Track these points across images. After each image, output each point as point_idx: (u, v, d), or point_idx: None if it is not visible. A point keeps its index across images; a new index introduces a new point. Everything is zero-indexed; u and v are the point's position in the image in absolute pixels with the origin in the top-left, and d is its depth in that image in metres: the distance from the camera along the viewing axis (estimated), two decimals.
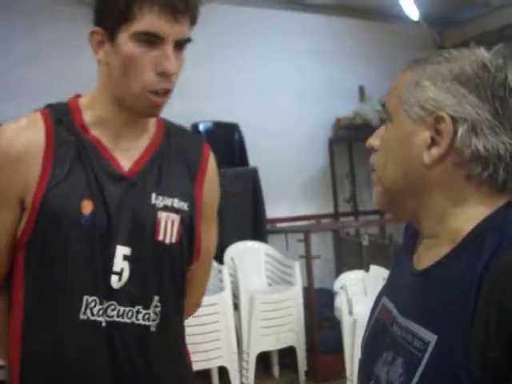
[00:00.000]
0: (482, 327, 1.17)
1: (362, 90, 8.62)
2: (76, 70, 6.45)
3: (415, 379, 1.26)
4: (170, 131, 2.08)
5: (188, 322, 5.33)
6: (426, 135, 1.34)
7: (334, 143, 8.54)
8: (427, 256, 1.39)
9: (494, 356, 1.15)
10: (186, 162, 2.06)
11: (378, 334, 1.49)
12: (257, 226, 7.18)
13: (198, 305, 2.28)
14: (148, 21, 1.81)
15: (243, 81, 7.99)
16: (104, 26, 1.87)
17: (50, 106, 1.99)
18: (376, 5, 8.43)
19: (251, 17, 8.16)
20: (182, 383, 2.15)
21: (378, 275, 5.53)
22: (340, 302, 5.57)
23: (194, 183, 2.04)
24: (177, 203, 1.97)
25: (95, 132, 1.94)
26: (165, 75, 1.85)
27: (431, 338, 1.26)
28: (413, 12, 7.53)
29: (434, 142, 1.33)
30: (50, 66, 6.79)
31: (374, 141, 1.48)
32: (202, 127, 7.55)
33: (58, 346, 1.87)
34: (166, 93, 1.89)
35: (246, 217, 7.15)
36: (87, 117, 1.95)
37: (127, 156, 1.96)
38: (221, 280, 5.86)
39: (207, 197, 2.08)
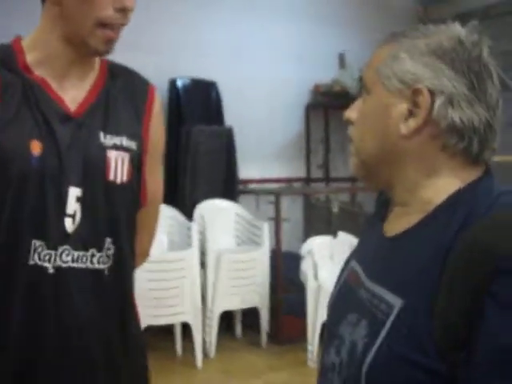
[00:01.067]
0: (447, 294, 1.21)
1: (342, 58, 8.56)
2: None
3: (378, 340, 1.29)
4: (114, 70, 2.02)
5: (153, 276, 5.37)
6: (403, 107, 1.36)
7: (310, 109, 8.52)
8: (398, 224, 1.42)
9: (455, 321, 1.19)
10: (131, 101, 2.01)
11: (345, 296, 1.52)
12: (228, 185, 7.18)
13: (146, 254, 2.20)
14: None
15: (222, 39, 7.91)
16: None
17: None
18: None
19: None
20: (130, 336, 2.02)
21: (345, 242, 5.57)
22: (306, 266, 5.62)
23: (141, 123, 2.00)
24: (125, 142, 1.92)
25: (40, 72, 1.87)
26: (123, 11, 1.80)
27: (396, 302, 1.29)
28: None
29: (411, 114, 1.35)
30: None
31: (351, 113, 1.50)
32: (179, 83, 7.50)
33: (7, 295, 1.81)
34: (120, 28, 1.84)
35: (219, 175, 7.15)
36: (31, 57, 1.87)
37: (73, 96, 1.90)
38: (189, 236, 5.87)
39: (153, 138, 2.04)
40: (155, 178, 2.08)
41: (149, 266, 5.04)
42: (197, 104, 7.59)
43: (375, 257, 1.46)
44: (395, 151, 1.39)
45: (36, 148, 1.78)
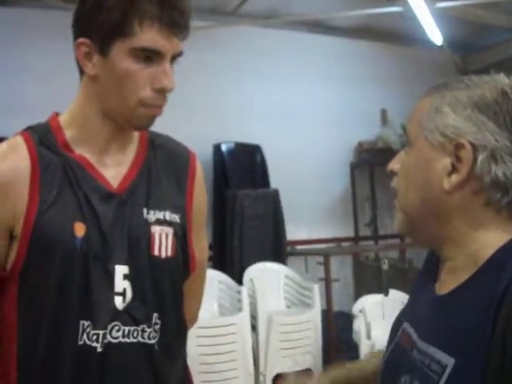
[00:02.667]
0: (500, 349, 1.17)
1: (384, 114, 8.63)
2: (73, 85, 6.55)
3: None
4: (154, 142, 2.01)
5: (204, 341, 5.35)
6: (446, 162, 1.34)
7: (355, 167, 8.56)
8: (447, 281, 1.39)
9: (509, 374, 1.15)
10: (173, 172, 1.99)
11: (397, 359, 1.48)
12: (277, 248, 7.19)
13: (194, 320, 2.18)
14: (148, 36, 1.74)
15: (266, 103, 8.02)
16: (93, 37, 1.77)
17: (30, 128, 1.89)
18: (399, 29, 8.47)
19: (274, 39, 8.21)
20: None
21: (397, 299, 5.51)
22: (358, 325, 5.56)
23: (184, 194, 1.98)
24: (169, 216, 1.90)
25: (79, 150, 1.85)
26: (162, 92, 1.79)
27: (449, 361, 1.26)
28: (436, 37, 7.53)
29: (454, 169, 1.33)
30: (48, 81, 6.85)
31: (394, 165, 1.49)
32: (224, 148, 7.58)
33: (55, 375, 1.78)
34: (161, 107, 1.83)
35: (267, 238, 7.16)
36: (69, 134, 1.87)
37: (114, 172, 1.89)
38: (239, 301, 5.85)
39: (196, 207, 2.02)
40: (200, 245, 2.06)
41: (199, 331, 5.05)
42: (242, 168, 7.65)
43: (427, 316, 1.42)
44: (439, 205, 1.37)
45: (80, 230, 1.77)
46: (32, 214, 1.75)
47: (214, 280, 6.14)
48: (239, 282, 6.29)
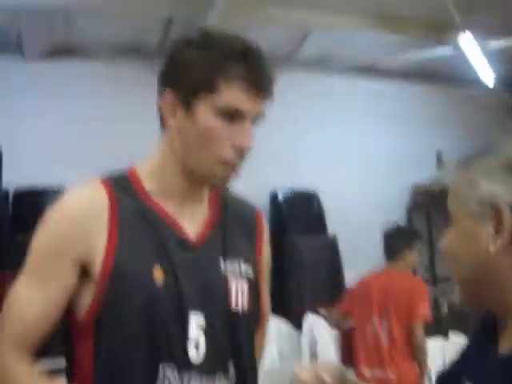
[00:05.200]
0: None
1: (439, 156, 8.62)
2: (139, 133, 6.74)
3: None
4: (225, 197, 2.04)
5: None
6: (488, 228, 1.37)
7: (412, 210, 8.56)
8: (507, 339, 1.41)
9: None
10: (244, 227, 2.03)
11: None
12: (335, 294, 7.19)
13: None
14: (232, 96, 1.77)
15: (321, 148, 8.12)
16: (178, 92, 1.82)
17: (109, 176, 1.93)
18: (450, 69, 8.47)
19: (328, 84, 8.32)
20: None
21: (458, 342, 5.49)
22: None
23: (254, 249, 2.02)
24: (243, 268, 1.93)
25: (158, 199, 1.88)
26: (241, 150, 1.82)
27: None
28: (487, 77, 7.53)
29: (497, 232, 1.36)
30: (113, 130, 7.04)
31: (443, 243, 1.51)
32: (280, 195, 7.66)
33: None
34: (238, 167, 1.86)
35: (325, 283, 7.20)
36: (148, 185, 1.90)
37: (191, 223, 1.91)
38: (299, 346, 5.88)
39: (264, 262, 2.07)
40: (268, 300, 2.14)
41: (260, 377, 5.09)
42: (299, 215, 7.71)
43: (488, 375, 1.40)
44: (491, 271, 1.38)
45: (158, 275, 1.79)
46: (111, 256, 1.77)
47: (273, 327, 6.18)
48: (298, 327, 6.33)
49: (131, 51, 7.56)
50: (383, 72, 8.69)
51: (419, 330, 5.11)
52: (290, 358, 5.98)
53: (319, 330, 6.45)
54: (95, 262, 1.77)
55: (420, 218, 8.54)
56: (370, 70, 8.62)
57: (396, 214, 8.47)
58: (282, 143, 7.87)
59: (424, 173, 8.46)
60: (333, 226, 7.80)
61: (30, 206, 7.00)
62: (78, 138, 7.10)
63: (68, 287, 1.80)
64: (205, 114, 1.79)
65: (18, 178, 6.73)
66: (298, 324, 6.42)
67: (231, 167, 1.84)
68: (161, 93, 1.86)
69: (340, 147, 8.25)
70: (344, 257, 7.48)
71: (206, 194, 1.99)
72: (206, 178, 1.87)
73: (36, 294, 1.79)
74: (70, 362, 1.88)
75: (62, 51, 7.39)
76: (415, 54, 7.76)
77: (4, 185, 6.23)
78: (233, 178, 1.88)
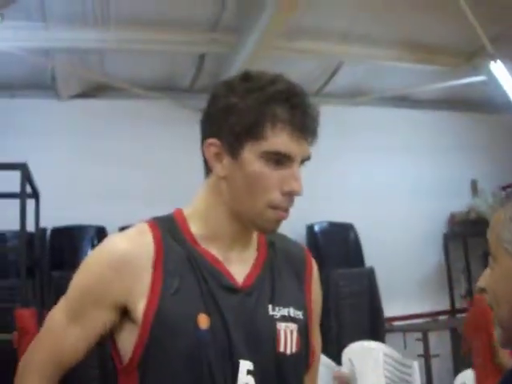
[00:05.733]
0: None
1: (474, 184, 8.60)
2: (175, 169, 6.78)
3: None
4: (272, 240, 1.98)
5: None
6: None
7: (449, 238, 8.51)
8: None
9: None
10: (293, 269, 1.97)
11: None
12: (374, 326, 7.18)
13: None
14: (279, 141, 1.73)
15: (356, 180, 8.14)
16: (224, 138, 1.78)
17: (156, 218, 1.90)
18: (484, 97, 8.49)
19: (359, 116, 8.35)
20: None
21: None
22: None
23: (304, 291, 1.97)
24: (293, 312, 1.87)
25: (204, 244, 1.85)
26: (290, 195, 1.77)
27: None
28: None
29: None
30: (155, 171, 7.11)
31: (482, 282, 1.50)
32: (316, 228, 7.67)
33: None
34: (287, 210, 1.81)
35: (363, 316, 7.17)
36: (195, 229, 1.86)
37: (239, 268, 1.86)
38: None
39: (315, 302, 2.01)
40: (319, 341, 2.07)
41: None
42: (336, 247, 7.71)
43: None
44: None
45: (203, 322, 1.74)
46: (154, 301, 1.74)
47: None
48: (338, 361, 6.28)
49: (163, 88, 7.64)
50: (416, 102, 8.72)
51: None
52: None
53: (359, 360, 6.41)
54: (138, 307, 1.75)
55: (457, 247, 8.49)
56: (403, 101, 8.63)
57: (433, 244, 8.46)
58: (317, 176, 7.86)
59: (460, 201, 8.43)
60: (370, 257, 7.78)
61: (67, 244, 7.08)
62: (113, 176, 7.17)
63: (102, 328, 1.79)
64: (252, 159, 1.75)
65: (55, 217, 6.80)
66: (337, 358, 6.38)
67: (281, 211, 1.80)
68: (204, 140, 1.83)
69: (376, 178, 8.26)
70: (382, 288, 7.44)
71: (253, 237, 1.95)
72: (255, 222, 1.83)
73: (70, 330, 1.80)
74: None
75: (96, 90, 7.50)
76: (447, 83, 7.76)
77: (42, 223, 6.28)
78: (282, 222, 1.84)
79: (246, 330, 1.79)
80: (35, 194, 6.06)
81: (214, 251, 1.85)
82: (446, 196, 8.48)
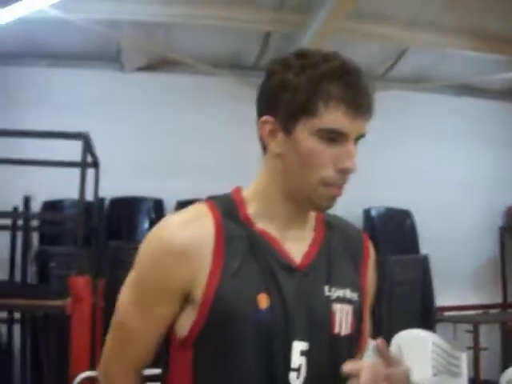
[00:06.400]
0: None
1: None
2: (236, 147, 6.79)
3: None
4: (330, 222, 1.97)
5: None
6: None
7: (504, 232, 8.42)
8: None
9: None
10: (350, 251, 1.95)
11: None
12: (425, 314, 7.15)
13: None
14: (333, 118, 1.71)
15: (416, 166, 8.08)
16: (278, 115, 1.77)
17: (214, 198, 1.90)
18: None
19: (422, 102, 8.31)
20: None
21: None
22: None
23: (360, 274, 1.95)
24: (349, 294, 1.86)
25: (261, 224, 1.84)
26: (344, 172, 1.76)
27: None
28: None
29: None
30: (216, 147, 7.15)
31: None
32: (374, 213, 7.66)
33: None
34: (341, 187, 1.79)
35: (415, 304, 7.14)
36: (252, 209, 1.85)
37: (296, 247, 1.84)
38: None
39: (370, 287, 2.00)
40: (368, 323, 2.04)
41: None
42: (392, 233, 7.68)
43: None
44: None
45: (263, 301, 1.73)
46: (214, 284, 1.73)
47: None
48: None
49: (229, 65, 7.66)
50: (480, 91, 8.61)
51: None
52: None
53: (408, 348, 6.39)
54: (198, 288, 1.74)
55: None
56: (468, 89, 8.54)
57: (488, 236, 8.38)
58: (376, 160, 7.85)
59: None
60: (425, 245, 7.74)
61: (125, 214, 7.17)
62: (173, 150, 7.24)
63: (171, 313, 1.79)
64: (305, 137, 1.74)
65: (114, 188, 6.90)
66: (387, 344, 6.37)
67: (335, 188, 1.78)
68: (259, 117, 1.83)
69: (436, 166, 8.20)
70: (435, 277, 7.40)
71: (311, 217, 1.93)
72: (309, 200, 1.81)
73: (141, 321, 1.81)
74: (167, 375, 1.88)
75: (160, 64, 7.55)
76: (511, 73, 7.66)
77: (101, 193, 6.37)
78: (336, 199, 1.82)
79: (302, 310, 1.77)
80: (96, 164, 6.14)
81: (271, 231, 1.83)
82: (504, 188, 8.39)
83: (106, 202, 7.17)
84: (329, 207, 1.85)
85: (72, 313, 4.88)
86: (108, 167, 6.30)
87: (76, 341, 4.86)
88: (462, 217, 8.15)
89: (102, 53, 7.30)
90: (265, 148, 1.86)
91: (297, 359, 1.75)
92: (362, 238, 2.03)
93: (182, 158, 7.21)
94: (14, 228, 6.71)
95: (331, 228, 1.96)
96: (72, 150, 5.39)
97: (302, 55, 1.79)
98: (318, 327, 1.79)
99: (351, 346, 1.87)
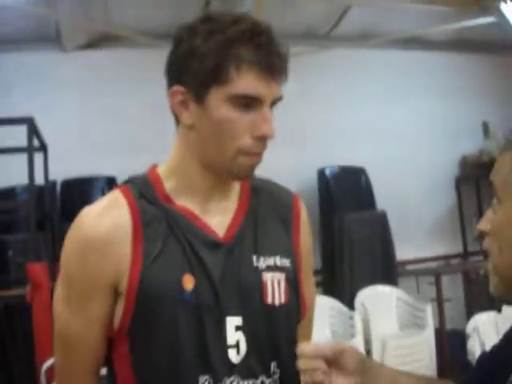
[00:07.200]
0: None
1: (486, 126, 8.52)
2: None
3: None
4: (256, 187, 1.90)
5: None
6: None
7: (460, 182, 8.49)
8: None
9: None
10: (278, 215, 1.89)
11: None
12: (387, 270, 7.20)
13: None
14: (245, 82, 1.65)
15: (366, 123, 8.08)
16: (188, 85, 1.70)
17: (128, 181, 1.84)
18: (494, 38, 8.38)
19: (369, 58, 8.29)
20: None
21: (510, 316, 5.42)
22: (473, 344, 5.49)
23: (291, 237, 1.89)
24: (279, 261, 1.81)
25: (181, 201, 1.78)
26: (262, 139, 1.70)
27: None
28: None
29: None
30: (164, 122, 7.08)
31: (483, 225, 1.43)
32: (328, 172, 7.66)
33: None
34: (260, 155, 1.74)
35: (376, 260, 7.19)
36: (169, 186, 1.79)
37: (219, 220, 1.79)
38: (352, 326, 5.88)
39: (303, 248, 1.92)
40: (310, 288, 1.97)
41: None
42: (347, 191, 7.70)
43: None
44: None
45: (189, 282, 1.70)
46: (137, 271, 1.69)
47: (326, 306, 6.19)
48: (351, 306, 6.32)
49: (170, 36, 7.55)
50: (426, 43, 8.61)
51: None
52: (343, 337, 5.97)
53: (372, 304, 6.44)
54: (123, 278, 1.70)
55: (469, 189, 8.47)
56: (413, 43, 8.52)
57: (445, 187, 8.44)
58: (328, 120, 7.85)
59: (472, 144, 8.38)
60: (382, 201, 7.76)
61: (78, 195, 7.10)
62: (121, 127, 7.17)
63: (106, 309, 1.73)
64: (218, 105, 1.68)
65: (65, 170, 6.83)
66: (350, 303, 6.41)
67: (253, 157, 1.73)
68: (169, 88, 1.76)
69: (386, 122, 8.20)
70: (394, 232, 7.44)
71: (234, 187, 1.87)
72: (228, 170, 1.74)
73: (79, 322, 1.75)
74: (112, 373, 1.83)
75: (101, 40, 7.44)
76: (458, 24, 7.65)
77: (52, 177, 6.30)
78: (256, 167, 1.77)
79: (231, 285, 1.74)
80: (43, 148, 6.07)
81: (191, 206, 1.79)
82: (458, 139, 8.44)
83: (58, 185, 7.08)
84: (248, 177, 1.80)
85: (32, 300, 4.83)
86: (57, 150, 6.23)
87: (38, 328, 4.81)
88: (416, 170, 8.17)
89: (40, 33, 7.16)
90: (177, 120, 1.79)
91: (233, 335, 1.72)
92: (292, 200, 1.96)
93: (131, 133, 7.13)
94: None
95: (257, 194, 1.90)
96: (19, 135, 5.30)
97: (209, 19, 1.72)
98: (249, 300, 1.75)
99: (289, 315, 1.83)
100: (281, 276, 1.80)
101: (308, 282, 1.95)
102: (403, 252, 7.65)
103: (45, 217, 6.15)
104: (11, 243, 6.41)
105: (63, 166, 6.64)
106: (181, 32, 1.75)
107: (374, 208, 7.74)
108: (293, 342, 1.81)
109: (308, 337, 2.03)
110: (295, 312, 1.86)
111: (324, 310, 6.13)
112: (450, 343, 6.38)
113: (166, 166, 1.84)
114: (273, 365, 1.77)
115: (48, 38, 7.23)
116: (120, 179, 7.16)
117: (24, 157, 5.32)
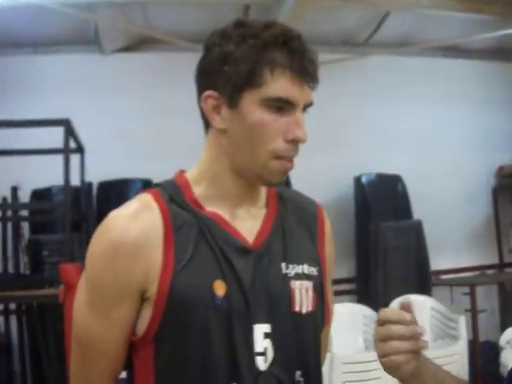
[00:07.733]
0: None
1: None
2: None
3: None
4: (282, 196, 1.92)
5: (351, 377, 5.35)
6: None
7: (497, 192, 8.41)
8: None
9: None
10: (304, 224, 1.91)
11: None
12: (421, 279, 7.15)
13: None
14: (280, 86, 1.66)
15: (404, 131, 8.04)
16: (221, 89, 1.71)
17: (157, 185, 1.82)
18: None
19: (410, 66, 8.23)
20: None
21: None
22: (506, 357, 5.43)
23: (316, 245, 1.91)
24: (307, 269, 1.82)
25: (210, 206, 1.77)
26: (295, 143, 1.71)
27: None
28: None
29: None
30: (199, 124, 7.10)
31: None
32: (364, 180, 7.62)
33: None
34: (292, 159, 1.75)
35: (410, 269, 7.15)
36: (198, 191, 1.79)
37: (248, 227, 1.80)
38: None
39: (328, 259, 1.95)
40: (332, 297, 2.00)
41: (345, 367, 5.08)
42: (383, 199, 7.66)
43: None
44: None
45: (220, 288, 1.69)
46: (167, 276, 1.67)
47: (359, 314, 6.17)
48: None
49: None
50: (465, 52, 8.56)
51: None
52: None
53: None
54: (153, 283, 1.68)
55: (506, 200, 8.41)
56: (453, 51, 8.48)
57: (481, 197, 8.37)
58: (366, 128, 7.83)
59: (509, 154, 8.32)
60: (417, 209, 7.72)
61: (114, 197, 7.13)
62: (159, 130, 7.19)
63: (132, 314, 1.73)
64: (251, 108, 1.69)
65: (102, 172, 6.88)
66: None
67: (286, 161, 1.73)
68: (200, 94, 1.76)
69: (424, 130, 8.16)
70: (429, 241, 7.40)
71: (261, 194, 1.87)
72: (259, 175, 1.75)
73: (102, 324, 1.73)
74: (132, 376, 1.82)
75: (139, 43, 7.47)
76: (497, 33, 7.60)
77: (89, 178, 6.34)
78: (287, 173, 1.77)
79: (261, 292, 1.74)
80: (80, 149, 6.11)
81: (221, 211, 1.78)
82: (495, 148, 8.36)
83: (95, 187, 7.13)
84: (280, 182, 1.80)
85: (64, 300, 4.84)
86: (94, 151, 6.27)
87: (69, 329, 4.82)
88: (453, 179, 8.12)
89: (80, 36, 7.23)
90: (207, 125, 1.80)
91: (261, 342, 1.72)
92: (316, 209, 1.98)
93: (169, 137, 7.15)
94: (3, 219, 6.68)
95: (284, 202, 1.91)
96: (56, 137, 5.35)
97: (240, 25, 1.74)
98: (278, 307, 1.76)
99: (315, 323, 1.84)
100: (309, 284, 1.81)
101: (329, 290, 1.97)
102: (438, 261, 7.60)
103: (81, 218, 6.19)
104: (46, 243, 6.46)
105: (100, 168, 6.70)
106: (212, 37, 1.76)
107: (410, 216, 7.70)
108: (318, 351, 1.85)
109: (326, 345, 2.04)
110: (320, 320, 1.87)
111: (357, 318, 6.10)
112: (482, 355, 6.31)
113: (196, 171, 1.84)
114: (297, 374, 1.76)
115: (87, 40, 7.29)
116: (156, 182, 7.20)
117: (60, 158, 5.36)
